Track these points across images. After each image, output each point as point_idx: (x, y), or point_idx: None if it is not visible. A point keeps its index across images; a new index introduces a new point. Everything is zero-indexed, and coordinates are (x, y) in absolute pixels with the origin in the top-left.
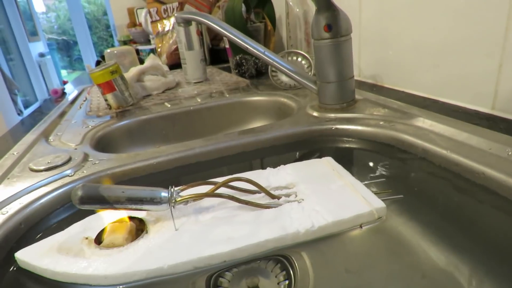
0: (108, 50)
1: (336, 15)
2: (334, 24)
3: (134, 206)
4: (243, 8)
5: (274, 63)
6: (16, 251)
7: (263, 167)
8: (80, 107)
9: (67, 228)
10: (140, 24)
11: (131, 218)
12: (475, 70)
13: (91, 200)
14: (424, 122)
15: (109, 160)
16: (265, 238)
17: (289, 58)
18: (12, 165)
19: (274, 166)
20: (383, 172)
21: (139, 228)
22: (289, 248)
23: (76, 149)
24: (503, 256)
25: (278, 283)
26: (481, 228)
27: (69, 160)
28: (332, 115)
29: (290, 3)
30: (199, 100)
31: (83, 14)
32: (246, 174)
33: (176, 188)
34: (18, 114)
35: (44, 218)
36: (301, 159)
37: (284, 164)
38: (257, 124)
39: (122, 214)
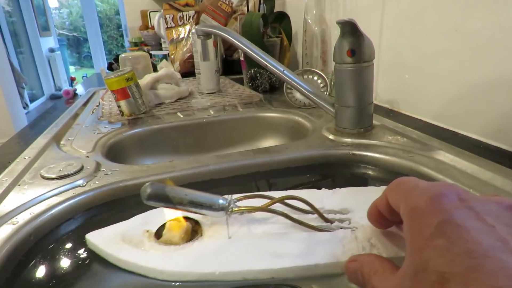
0: (123, 55)
1: (361, 41)
2: (357, 50)
3: (193, 209)
4: (261, 22)
5: (293, 83)
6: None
7: (276, 188)
8: (93, 112)
9: (130, 218)
10: (153, 27)
11: (187, 218)
12: (498, 106)
13: (157, 198)
14: (445, 156)
15: (121, 171)
16: (315, 262)
17: (305, 76)
18: (23, 170)
19: (287, 188)
20: None
21: (194, 229)
22: (304, 280)
23: (87, 157)
24: None
25: None
26: None
27: (81, 169)
28: (349, 140)
29: (309, 21)
30: (212, 112)
31: (96, 12)
32: (300, 193)
33: (233, 197)
34: (24, 108)
35: (54, 230)
36: (316, 183)
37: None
38: (270, 141)
39: (179, 213)
